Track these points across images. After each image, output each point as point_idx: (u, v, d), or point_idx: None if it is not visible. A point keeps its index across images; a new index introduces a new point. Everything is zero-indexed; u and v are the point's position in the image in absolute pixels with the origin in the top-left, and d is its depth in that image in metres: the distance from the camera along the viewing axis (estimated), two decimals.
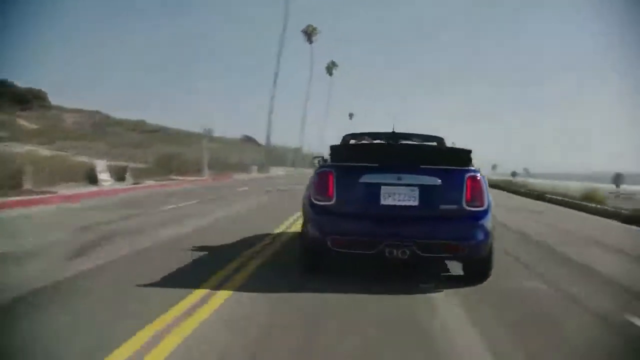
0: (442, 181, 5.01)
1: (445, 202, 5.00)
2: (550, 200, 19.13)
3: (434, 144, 7.34)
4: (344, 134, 7.59)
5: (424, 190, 4.99)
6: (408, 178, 5.01)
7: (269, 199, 16.23)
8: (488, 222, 5.07)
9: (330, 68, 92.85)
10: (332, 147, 5.65)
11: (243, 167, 39.82)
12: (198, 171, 28.82)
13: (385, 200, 4.99)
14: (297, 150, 71.87)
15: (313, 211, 5.16)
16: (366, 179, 5.02)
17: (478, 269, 5.29)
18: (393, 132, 6.91)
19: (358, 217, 5.02)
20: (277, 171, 47.43)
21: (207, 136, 30.43)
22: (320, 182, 5.14)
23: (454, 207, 4.99)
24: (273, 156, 53.66)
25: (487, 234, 5.04)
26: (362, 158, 5.37)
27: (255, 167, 41.95)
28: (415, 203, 4.98)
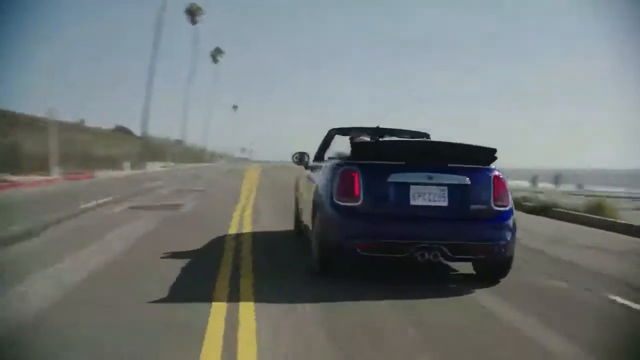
0: (471, 180, 4.84)
1: (475, 202, 4.86)
2: None
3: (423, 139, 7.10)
4: (329, 128, 7.12)
5: (453, 189, 4.82)
6: (438, 177, 4.80)
7: (137, 246, 6.64)
8: (513, 222, 4.99)
9: (215, 55, 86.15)
10: (355, 144, 5.34)
11: (113, 162, 32.62)
12: (46, 168, 21.69)
13: (415, 201, 4.75)
14: (179, 143, 64.79)
15: (337, 213, 4.78)
16: (394, 178, 4.76)
17: (499, 270, 5.15)
18: (377, 127, 6.73)
19: (387, 219, 4.73)
20: (155, 167, 40.34)
21: (52, 119, 22.90)
22: (344, 181, 4.79)
23: (483, 207, 4.86)
24: (151, 149, 46.22)
25: (513, 233, 4.98)
26: (387, 156, 4.94)
27: (128, 163, 34.74)
28: (445, 203, 4.78)
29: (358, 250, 4.72)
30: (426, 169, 4.83)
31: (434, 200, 4.79)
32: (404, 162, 4.87)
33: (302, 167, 7.21)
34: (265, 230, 8.23)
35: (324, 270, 5.09)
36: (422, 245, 4.66)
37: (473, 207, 4.86)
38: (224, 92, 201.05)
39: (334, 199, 4.83)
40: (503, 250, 4.87)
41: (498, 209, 4.89)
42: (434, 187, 4.79)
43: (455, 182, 4.83)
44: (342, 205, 4.79)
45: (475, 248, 4.82)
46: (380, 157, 4.93)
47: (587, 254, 7.16)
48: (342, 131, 7.08)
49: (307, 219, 6.01)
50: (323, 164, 5.87)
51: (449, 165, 4.90)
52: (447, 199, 4.79)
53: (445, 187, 4.80)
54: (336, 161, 5.29)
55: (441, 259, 4.74)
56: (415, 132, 7.10)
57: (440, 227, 4.76)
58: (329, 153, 6.94)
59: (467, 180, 4.84)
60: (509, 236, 4.90)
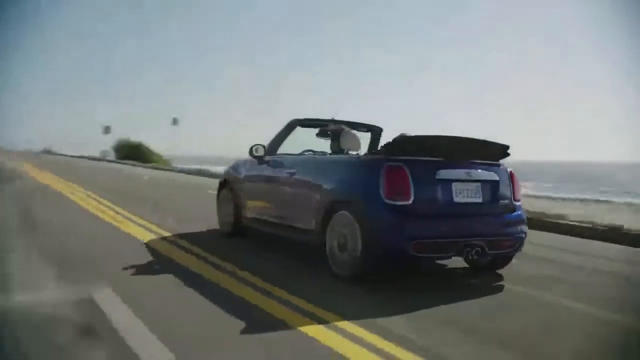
0: (498, 176, 5.03)
1: (502, 197, 5.05)
2: None
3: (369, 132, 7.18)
4: (293, 118, 6.58)
5: (485, 186, 4.95)
6: (473, 173, 4.89)
7: None
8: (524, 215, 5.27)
9: None
10: (399, 139, 4.95)
11: None
12: None
13: (457, 198, 4.77)
14: None
15: (389, 213, 4.55)
16: (440, 175, 4.74)
17: (504, 262, 5.34)
18: (332, 120, 6.52)
19: (437, 218, 4.69)
20: None
21: None
22: (394, 178, 4.60)
23: (507, 202, 5.06)
24: None
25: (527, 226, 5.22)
26: (426, 152, 4.86)
27: None
28: (480, 200, 4.90)
29: (413, 252, 4.51)
30: (464, 165, 4.93)
31: (471, 197, 4.87)
32: (443, 159, 4.87)
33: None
34: None
35: (364, 274, 4.77)
36: (470, 242, 4.67)
37: (501, 202, 5.04)
38: None
39: (384, 198, 4.57)
40: (523, 243, 5.11)
41: (516, 203, 5.13)
42: (471, 183, 4.88)
43: (487, 178, 4.98)
44: (394, 205, 4.56)
45: (506, 242, 4.95)
46: (418, 153, 4.82)
47: None
48: (305, 123, 6.60)
49: (298, 219, 5.55)
50: (320, 157, 6.01)
51: (476, 161, 5.05)
52: (481, 195, 4.92)
53: (479, 184, 4.92)
54: (373, 156, 5.15)
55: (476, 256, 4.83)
56: (371, 125, 6.98)
57: (481, 223, 4.87)
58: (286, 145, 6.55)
59: (496, 176, 5.02)
60: (526, 229, 5.14)
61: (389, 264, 4.94)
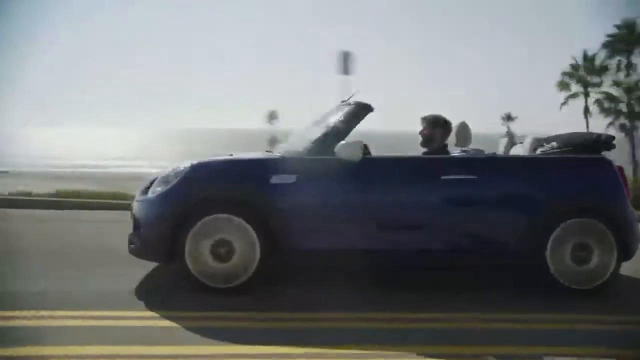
0: None
1: None
2: None
3: None
4: (349, 97, 4.85)
5: None
6: None
7: None
8: None
9: None
10: (609, 137, 4.76)
11: None
12: None
13: None
14: None
15: (633, 216, 4.53)
16: None
17: None
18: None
19: None
20: None
21: None
22: (625, 179, 4.61)
23: None
24: None
25: None
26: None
27: None
28: None
29: None
30: None
31: None
32: None
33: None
34: None
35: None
36: None
37: None
38: None
39: (628, 201, 4.58)
40: None
41: None
42: None
43: None
44: (630, 206, 4.61)
45: None
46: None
47: None
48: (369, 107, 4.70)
49: (494, 238, 4.51)
50: (521, 157, 4.92)
51: None
52: None
53: None
54: (591, 154, 4.72)
55: None
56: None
57: None
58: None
59: None
60: None
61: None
